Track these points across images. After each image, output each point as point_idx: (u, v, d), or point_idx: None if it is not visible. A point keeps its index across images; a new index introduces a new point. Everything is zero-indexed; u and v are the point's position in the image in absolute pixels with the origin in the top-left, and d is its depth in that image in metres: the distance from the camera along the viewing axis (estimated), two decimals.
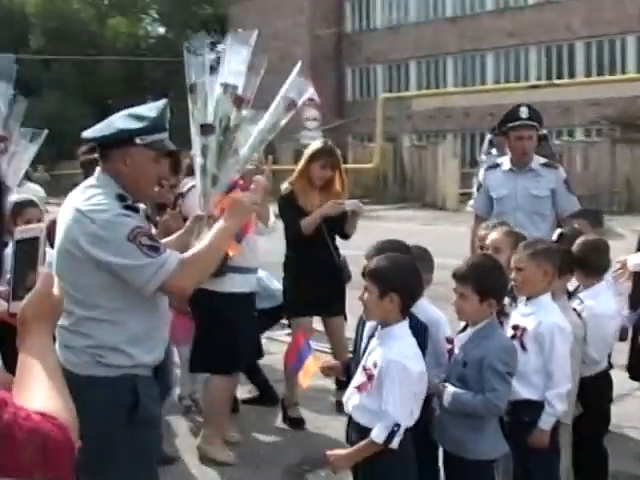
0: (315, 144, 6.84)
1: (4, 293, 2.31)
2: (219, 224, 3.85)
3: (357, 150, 35.98)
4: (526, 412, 4.44)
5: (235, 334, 5.94)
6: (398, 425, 3.78)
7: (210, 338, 5.98)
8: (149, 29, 61.29)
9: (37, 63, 48.61)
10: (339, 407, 6.36)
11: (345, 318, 7.04)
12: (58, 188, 20.29)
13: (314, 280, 6.68)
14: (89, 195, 3.63)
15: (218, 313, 5.88)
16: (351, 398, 4.05)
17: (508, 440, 4.43)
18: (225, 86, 4.13)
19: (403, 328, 3.94)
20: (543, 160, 6.78)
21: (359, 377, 4.01)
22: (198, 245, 3.79)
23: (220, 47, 4.31)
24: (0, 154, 4.19)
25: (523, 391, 4.43)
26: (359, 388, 3.98)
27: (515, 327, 4.52)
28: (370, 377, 3.91)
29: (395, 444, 3.81)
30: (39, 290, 2.15)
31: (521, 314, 4.58)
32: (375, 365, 3.89)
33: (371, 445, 3.84)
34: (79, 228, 3.55)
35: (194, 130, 4.28)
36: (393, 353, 3.84)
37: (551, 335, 4.41)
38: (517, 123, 6.56)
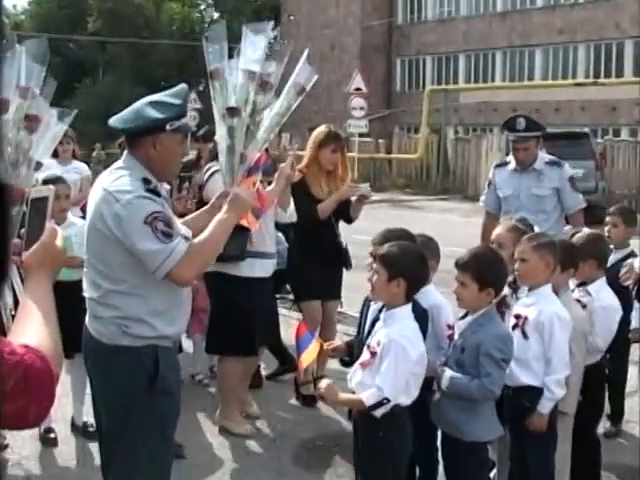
0: (320, 130, 6.78)
1: (18, 245, 2.49)
2: (219, 216, 4.00)
3: (402, 140, 35.73)
4: (526, 397, 4.55)
5: (251, 319, 6.01)
6: (387, 399, 3.95)
7: (226, 321, 6.01)
8: (203, 14, 61.80)
9: (93, 45, 49.07)
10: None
11: (341, 304, 7.28)
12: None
13: (322, 264, 6.70)
14: (117, 176, 3.79)
15: (236, 297, 5.91)
16: (355, 374, 4.21)
17: (507, 424, 4.61)
18: (246, 72, 4.35)
19: (406, 311, 4.12)
20: (548, 158, 6.86)
21: (364, 355, 4.16)
22: (200, 237, 3.89)
23: (246, 37, 4.48)
24: (30, 132, 4.26)
25: (523, 377, 4.56)
26: (363, 365, 4.13)
27: (517, 316, 4.64)
28: (373, 354, 4.06)
29: (378, 414, 3.99)
30: (43, 241, 2.42)
31: (523, 304, 4.69)
32: (379, 344, 4.04)
33: (359, 402, 4.05)
34: (106, 207, 3.70)
35: (218, 113, 4.47)
36: (395, 333, 4.02)
37: (551, 324, 4.52)
38: (512, 137, 6.83)
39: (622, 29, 39.04)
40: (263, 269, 6.06)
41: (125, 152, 3.95)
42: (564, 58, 41.94)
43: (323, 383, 4.22)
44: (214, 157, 5.79)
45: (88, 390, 3.48)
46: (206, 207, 4.49)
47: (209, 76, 4.38)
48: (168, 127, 3.80)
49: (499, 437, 4.54)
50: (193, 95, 34.31)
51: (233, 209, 4.04)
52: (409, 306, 4.14)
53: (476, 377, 4.19)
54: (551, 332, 4.51)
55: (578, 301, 5.07)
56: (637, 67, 38.62)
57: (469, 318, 4.38)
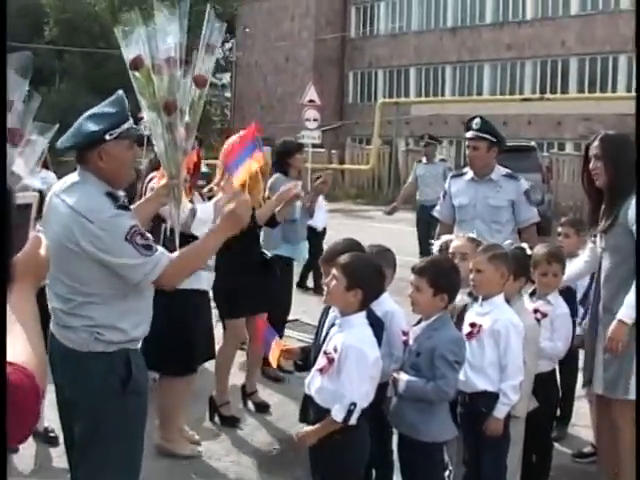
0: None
1: None
2: (211, 231, 4.08)
3: (354, 151, 36.07)
4: (482, 402, 4.66)
5: (194, 335, 5.85)
6: (354, 404, 4.00)
7: (168, 337, 5.60)
8: None
9: (50, 53, 48.63)
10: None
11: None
12: (65, 175, 20.65)
13: (246, 278, 6.59)
14: (80, 194, 3.80)
15: (171, 312, 5.44)
16: (313, 380, 4.23)
17: (461, 429, 4.73)
18: (168, 60, 4.15)
19: (361, 318, 4.18)
20: (505, 171, 6.85)
21: (321, 361, 4.18)
22: (188, 247, 3.99)
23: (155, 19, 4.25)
24: (15, 147, 3.96)
25: (479, 383, 4.67)
26: (321, 371, 4.14)
27: (472, 324, 4.74)
28: (331, 360, 4.08)
29: (353, 420, 4.02)
30: (26, 251, 2.29)
31: (477, 313, 4.79)
32: (335, 349, 4.08)
33: (332, 423, 4.04)
34: (77, 227, 3.72)
35: (145, 107, 4.31)
36: (352, 339, 4.07)
37: (506, 331, 4.63)
38: (467, 134, 6.85)
39: (567, 47, 39.77)
40: (204, 282, 5.93)
41: (78, 168, 3.96)
42: (512, 73, 42.48)
43: (300, 433, 4.24)
44: (154, 167, 5.84)
45: (49, 398, 3.46)
46: (150, 195, 4.62)
47: (130, 67, 4.21)
48: (108, 137, 3.81)
49: (455, 440, 4.67)
50: None
51: (227, 226, 4.00)
52: (363, 313, 4.20)
53: (432, 379, 4.29)
54: (507, 340, 4.64)
55: (537, 311, 5.29)
56: (581, 83, 39.38)
57: (423, 323, 4.48)
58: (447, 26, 45.14)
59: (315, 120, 26.98)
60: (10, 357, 1.86)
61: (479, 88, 43.34)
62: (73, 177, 3.95)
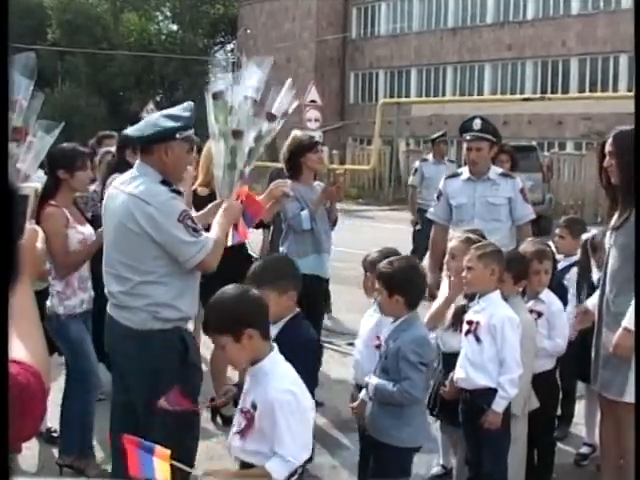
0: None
1: None
2: (217, 219, 4.57)
3: (355, 151, 36.18)
4: (483, 399, 4.71)
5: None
6: (294, 463, 3.38)
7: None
8: (161, 26, 61.19)
9: (53, 55, 48.76)
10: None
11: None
12: None
13: (238, 279, 6.35)
14: (138, 182, 4.32)
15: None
16: (235, 443, 3.56)
17: (463, 427, 4.90)
18: (247, 98, 4.68)
19: (273, 358, 3.49)
20: (500, 170, 6.97)
21: (239, 420, 3.55)
22: (212, 234, 4.45)
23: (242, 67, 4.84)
24: (19, 145, 4.36)
25: (479, 379, 4.73)
26: (242, 433, 3.49)
27: (469, 322, 4.83)
28: (251, 420, 3.44)
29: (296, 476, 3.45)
30: (24, 244, 2.20)
31: (474, 311, 4.86)
32: (254, 407, 3.43)
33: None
34: (137, 209, 4.22)
35: (217, 131, 4.75)
36: (271, 391, 3.37)
37: (502, 326, 4.69)
38: (467, 136, 6.80)
39: (568, 47, 39.76)
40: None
41: (137, 161, 4.49)
42: (512, 73, 42.46)
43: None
44: (112, 171, 6.28)
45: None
46: (203, 211, 5.02)
47: (212, 97, 4.69)
48: (178, 135, 4.32)
49: (456, 441, 4.80)
50: (151, 105, 34.15)
51: (227, 216, 4.57)
52: (274, 352, 3.51)
53: (399, 382, 4.33)
54: (503, 334, 4.70)
55: (532, 311, 5.30)
56: (582, 83, 39.31)
57: (391, 325, 4.52)
58: (448, 26, 45.14)
59: (316, 120, 26.98)
60: (17, 355, 1.85)
61: (480, 88, 43.30)
62: (131, 172, 4.46)
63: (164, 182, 4.35)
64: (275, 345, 3.55)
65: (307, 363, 3.85)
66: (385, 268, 4.48)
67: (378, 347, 4.66)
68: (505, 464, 4.81)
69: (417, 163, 12.75)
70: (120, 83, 51.52)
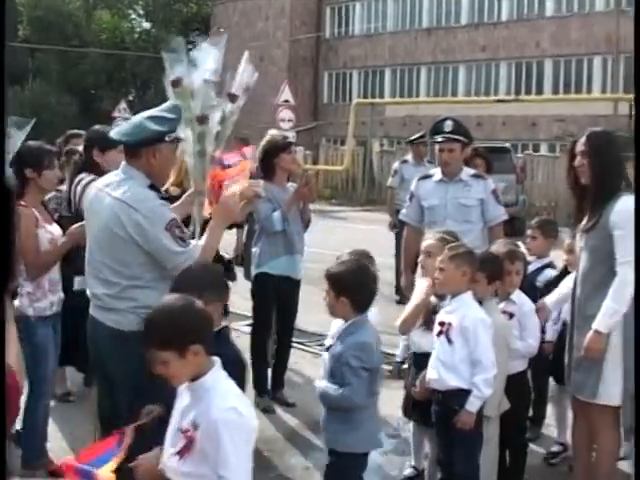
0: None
1: None
2: (210, 227, 4.47)
3: (329, 152, 36.20)
4: (455, 400, 4.71)
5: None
6: None
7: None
8: (134, 24, 61.19)
9: (23, 52, 48.51)
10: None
11: None
12: None
13: None
14: (126, 187, 4.27)
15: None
16: (171, 464, 3.25)
17: (435, 427, 4.92)
18: (206, 82, 4.58)
19: (215, 374, 3.27)
20: (472, 171, 6.92)
21: (175, 440, 3.26)
22: (202, 241, 4.39)
23: (197, 48, 4.78)
24: None
25: (451, 380, 4.73)
26: (180, 454, 3.20)
27: (441, 323, 4.82)
28: (191, 440, 3.16)
29: None
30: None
31: (446, 311, 4.86)
32: (195, 426, 3.17)
33: None
34: (124, 215, 4.19)
35: (183, 120, 4.60)
36: (214, 409, 3.14)
37: (474, 327, 4.70)
38: (439, 137, 6.77)
39: (542, 48, 40.08)
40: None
41: (123, 163, 4.41)
42: (487, 75, 42.72)
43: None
44: (80, 169, 6.32)
45: None
46: (179, 202, 4.83)
47: (171, 85, 4.61)
48: (167, 138, 4.32)
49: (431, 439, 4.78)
50: (123, 104, 34.13)
51: (219, 218, 4.47)
52: (216, 367, 3.29)
53: (342, 387, 4.27)
54: (476, 335, 4.71)
55: (504, 312, 5.28)
56: (556, 85, 39.72)
57: (340, 328, 4.43)
58: (422, 27, 45.35)
59: (289, 120, 26.93)
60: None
61: (454, 89, 43.55)
62: (116, 174, 4.42)
63: (152, 187, 4.34)
64: (218, 360, 3.31)
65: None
66: (333, 269, 4.41)
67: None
68: (477, 464, 4.81)
69: (396, 164, 12.29)
70: (91, 81, 51.29)
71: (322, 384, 4.37)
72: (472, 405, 4.69)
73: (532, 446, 6.08)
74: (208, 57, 4.65)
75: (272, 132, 7.23)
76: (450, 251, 4.85)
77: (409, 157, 12.03)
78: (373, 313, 4.52)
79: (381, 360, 4.49)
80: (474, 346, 4.70)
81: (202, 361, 3.21)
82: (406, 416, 5.61)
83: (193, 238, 4.63)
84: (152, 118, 4.36)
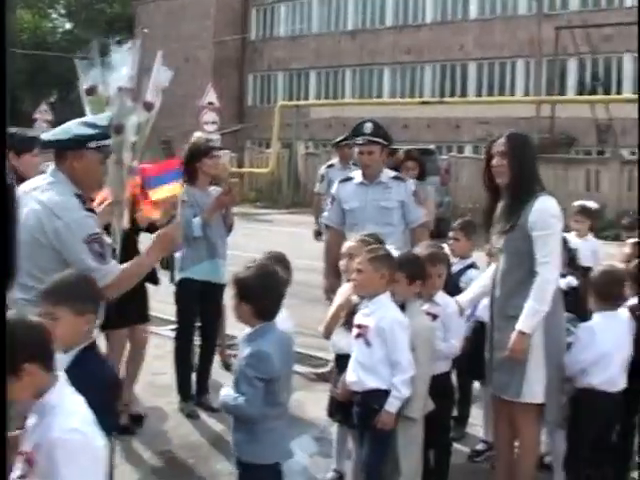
0: None
1: None
2: (146, 252, 4.45)
3: (254, 155, 36.17)
4: (374, 400, 4.76)
5: None
6: None
7: None
8: (56, 24, 60.41)
9: None
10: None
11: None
12: None
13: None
14: (52, 192, 4.23)
15: None
16: None
17: (357, 428, 5.00)
18: (121, 90, 4.56)
19: (60, 391, 3.02)
20: (393, 173, 7.00)
21: (20, 464, 2.95)
22: (127, 265, 4.32)
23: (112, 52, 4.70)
24: None
25: (370, 381, 4.78)
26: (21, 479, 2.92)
27: (359, 326, 4.86)
28: (30, 463, 2.91)
29: None
30: None
31: (363, 314, 4.89)
32: (37, 447, 2.91)
33: None
34: (47, 221, 4.15)
35: None
36: (55, 429, 2.88)
37: (391, 328, 4.75)
38: (359, 139, 6.82)
39: (466, 51, 40.35)
40: None
41: (52, 166, 4.39)
42: (411, 77, 42.88)
43: None
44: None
45: None
46: (99, 212, 4.68)
47: (85, 93, 4.62)
48: (91, 145, 4.26)
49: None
50: (44, 106, 33.68)
51: (158, 250, 4.46)
52: (60, 383, 3.05)
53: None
54: (393, 336, 4.75)
55: (428, 314, 5.30)
56: (480, 87, 40.17)
57: (244, 335, 4.35)
58: (347, 29, 45.45)
59: (214, 123, 26.79)
60: None
61: (379, 91, 43.67)
62: (44, 177, 4.38)
63: (79, 196, 4.28)
64: (62, 375, 3.07)
65: (102, 403, 3.25)
66: (239, 274, 4.29)
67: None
68: (382, 463, 4.87)
69: (323, 169, 11.63)
70: (13, 81, 50.29)
71: (224, 391, 4.28)
72: (391, 405, 4.74)
73: (457, 445, 6.13)
74: (123, 63, 4.61)
75: (197, 135, 7.19)
76: (368, 253, 4.88)
77: (335, 161, 11.70)
78: (283, 318, 4.43)
79: (287, 369, 4.35)
80: (392, 347, 4.74)
81: (41, 379, 2.95)
82: (330, 417, 5.63)
83: (114, 250, 4.61)
84: (82, 123, 4.35)
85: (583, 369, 5.18)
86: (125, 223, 4.78)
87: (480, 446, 6.31)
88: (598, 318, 5.25)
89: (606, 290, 5.24)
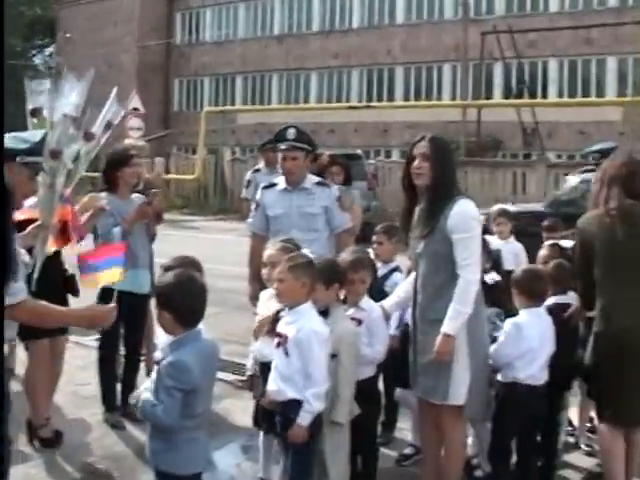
0: None
1: None
2: (72, 311, 4.31)
3: (180, 161, 35.83)
4: (291, 410, 4.73)
5: None
6: None
7: None
8: None
9: None
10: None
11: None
12: None
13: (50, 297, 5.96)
14: None
15: None
16: None
17: (280, 437, 4.88)
18: (66, 116, 4.63)
19: None
20: (317, 179, 6.93)
21: None
22: (51, 308, 3.98)
23: (64, 80, 4.76)
24: None
25: (288, 391, 4.75)
26: None
27: (279, 335, 4.83)
28: None
29: None
30: None
31: (285, 322, 4.85)
32: None
33: None
34: None
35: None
36: None
37: (308, 340, 4.70)
38: (282, 145, 6.77)
39: (393, 55, 40.82)
40: None
41: None
42: (339, 82, 43.22)
43: None
44: None
45: None
46: (24, 233, 4.66)
47: (29, 113, 4.66)
48: (18, 159, 4.27)
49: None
50: None
51: (84, 321, 4.13)
52: None
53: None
54: (309, 348, 4.70)
55: (352, 319, 5.29)
56: (407, 91, 40.65)
57: (166, 343, 4.27)
58: (274, 34, 45.63)
59: (139, 129, 26.53)
60: None
61: (306, 96, 43.94)
62: None
63: None
64: None
65: None
66: (157, 282, 4.26)
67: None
68: (307, 471, 4.85)
69: (249, 174, 11.32)
70: None
71: (143, 397, 4.15)
72: (303, 419, 4.70)
73: (384, 450, 6.14)
74: (72, 91, 4.66)
75: (127, 142, 7.16)
76: (288, 262, 4.84)
77: (261, 165, 11.60)
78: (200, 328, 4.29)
79: (209, 379, 4.26)
80: (308, 359, 4.71)
81: None
82: (256, 426, 5.62)
83: (32, 273, 4.59)
84: (13, 137, 4.36)
85: (509, 363, 5.29)
86: (49, 249, 4.76)
87: (408, 450, 6.30)
88: (524, 314, 5.37)
89: (530, 287, 5.39)
